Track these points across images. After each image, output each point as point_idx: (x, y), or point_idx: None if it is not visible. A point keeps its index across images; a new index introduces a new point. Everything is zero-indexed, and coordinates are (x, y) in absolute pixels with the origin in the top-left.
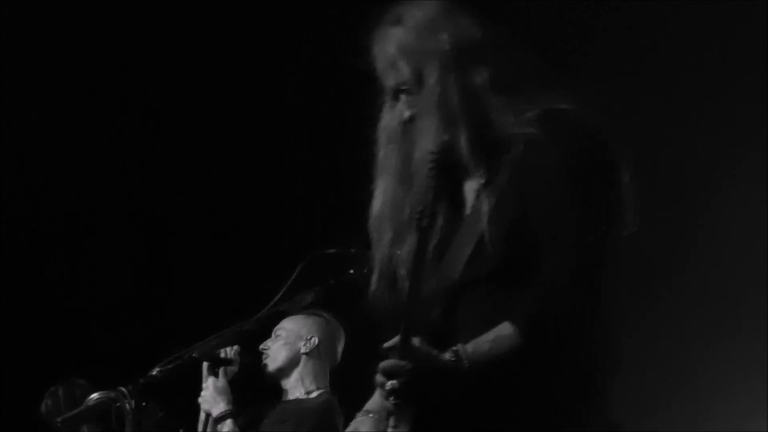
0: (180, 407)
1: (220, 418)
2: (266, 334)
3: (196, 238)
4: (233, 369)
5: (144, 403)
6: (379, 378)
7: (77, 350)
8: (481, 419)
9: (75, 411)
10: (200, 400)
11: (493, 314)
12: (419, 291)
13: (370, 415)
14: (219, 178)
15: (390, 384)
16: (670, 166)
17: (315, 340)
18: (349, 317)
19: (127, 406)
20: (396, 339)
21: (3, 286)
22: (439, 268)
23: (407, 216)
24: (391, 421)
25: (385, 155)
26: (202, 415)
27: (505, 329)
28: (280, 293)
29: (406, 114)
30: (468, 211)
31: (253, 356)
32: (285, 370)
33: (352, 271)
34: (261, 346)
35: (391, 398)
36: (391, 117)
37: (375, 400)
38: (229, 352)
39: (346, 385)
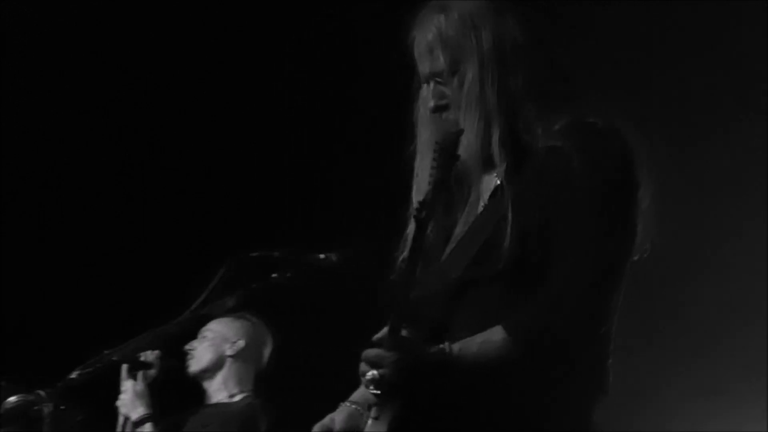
0: (99, 411)
1: (140, 422)
2: (187, 337)
3: (117, 240)
4: (152, 373)
5: (62, 407)
6: (362, 367)
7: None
8: (460, 419)
9: None
10: (119, 403)
11: (490, 317)
12: (413, 283)
13: (353, 406)
14: (141, 179)
15: (371, 374)
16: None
17: (241, 343)
18: (272, 321)
19: (46, 409)
20: (385, 330)
21: None
22: (440, 264)
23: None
24: (372, 412)
25: (420, 140)
26: (121, 419)
27: (496, 334)
28: (202, 297)
29: (432, 103)
30: (480, 210)
31: (173, 360)
32: (209, 372)
33: (275, 275)
34: (186, 347)
35: (372, 387)
36: (421, 103)
37: (360, 392)
38: (149, 355)
39: (274, 388)
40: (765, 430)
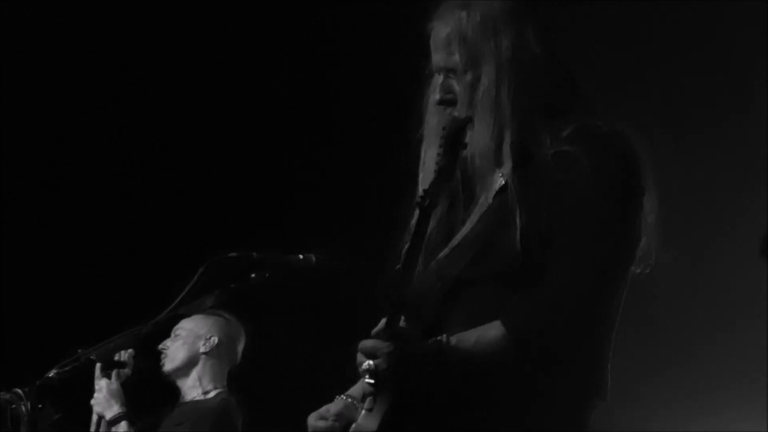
0: (76, 410)
1: (114, 421)
2: (165, 337)
3: (94, 240)
4: (126, 372)
5: (40, 405)
6: (358, 357)
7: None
8: (454, 416)
9: None
10: (93, 402)
11: (489, 316)
12: (413, 273)
13: (348, 399)
14: (120, 181)
15: (367, 364)
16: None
17: (215, 340)
18: (251, 320)
19: (23, 408)
20: (383, 322)
21: None
22: (441, 261)
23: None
24: (366, 404)
25: (427, 128)
26: (95, 417)
27: (493, 329)
28: (180, 296)
29: (438, 95)
30: (484, 211)
31: (149, 359)
32: (183, 370)
33: (253, 275)
34: (160, 346)
35: (367, 377)
36: (432, 92)
37: (357, 387)
38: (123, 354)
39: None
40: (765, 430)
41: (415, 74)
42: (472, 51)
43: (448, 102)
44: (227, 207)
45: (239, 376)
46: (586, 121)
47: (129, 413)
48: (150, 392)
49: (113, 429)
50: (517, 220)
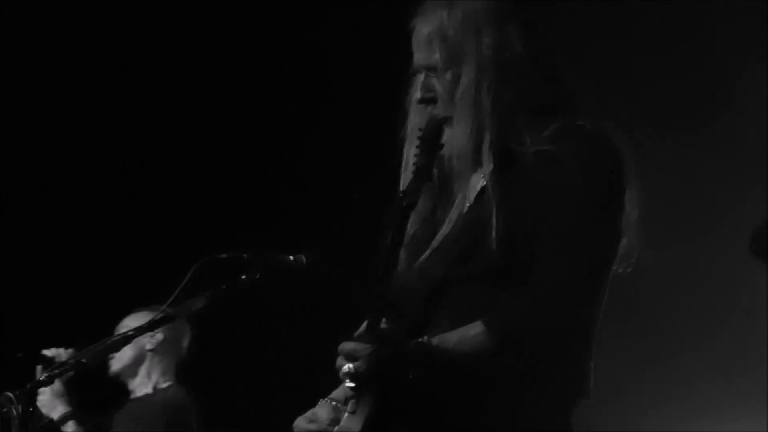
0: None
1: (62, 421)
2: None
3: (85, 242)
4: (69, 372)
5: (31, 409)
6: (338, 360)
7: None
8: (437, 417)
9: None
10: (38, 404)
11: (472, 316)
12: (392, 274)
13: (332, 402)
14: (110, 182)
15: (347, 367)
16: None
17: (159, 336)
18: (243, 322)
19: (14, 411)
20: (365, 324)
21: None
22: (423, 262)
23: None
24: (349, 406)
25: (410, 127)
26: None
27: (474, 328)
28: (171, 298)
29: (419, 94)
30: (465, 210)
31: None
32: (131, 369)
33: (244, 277)
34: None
35: (347, 380)
36: (414, 91)
37: (340, 390)
38: (63, 354)
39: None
40: (765, 430)
41: (411, 74)
42: (453, 49)
43: (428, 101)
44: (218, 207)
45: (235, 377)
46: (568, 120)
47: (75, 412)
48: (97, 390)
49: (62, 429)
50: (494, 220)
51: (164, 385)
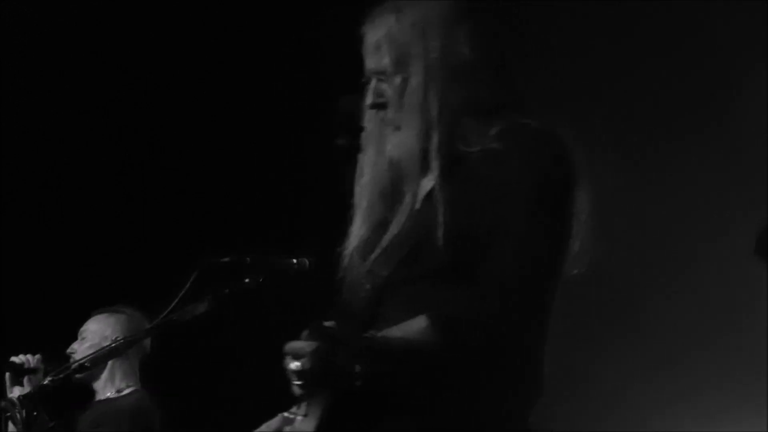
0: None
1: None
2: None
3: (87, 245)
4: (37, 377)
5: (35, 413)
6: (285, 360)
7: None
8: (391, 417)
9: None
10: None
11: (420, 312)
12: (336, 275)
13: (285, 414)
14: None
15: (294, 365)
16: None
17: (120, 338)
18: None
19: (18, 415)
20: (311, 324)
21: None
22: (371, 263)
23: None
24: (301, 409)
25: (364, 135)
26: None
27: (419, 322)
28: (173, 303)
29: (370, 100)
30: (413, 212)
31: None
32: (94, 372)
33: (247, 280)
34: (68, 350)
35: (294, 379)
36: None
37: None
38: (32, 360)
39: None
40: (765, 430)
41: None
42: (401, 53)
43: (379, 106)
44: (219, 210)
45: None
46: (514, 119)
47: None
48: (63, 393)
49: None
50: (440, 219)
51: (128, 390)
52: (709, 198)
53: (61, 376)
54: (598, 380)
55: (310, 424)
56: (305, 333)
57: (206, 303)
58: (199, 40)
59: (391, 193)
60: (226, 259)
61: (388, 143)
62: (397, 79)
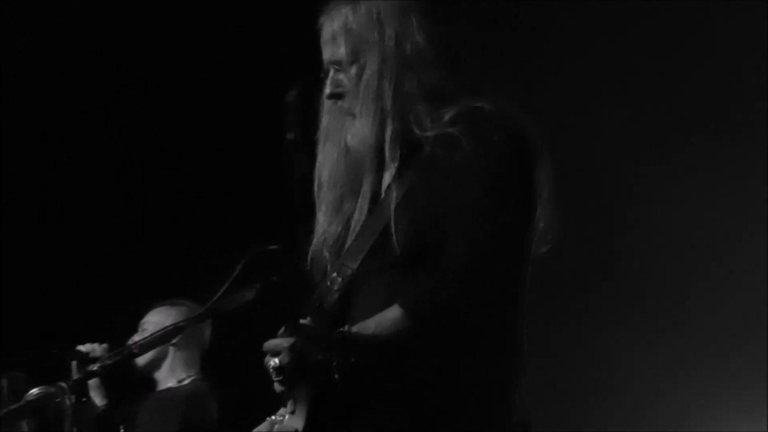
0: (118, 402)
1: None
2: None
3: (94, 240)
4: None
5: (84, 399)
6: (265, 358)
7: (14, 344)
8: (376, 408)
9: (15, 405)
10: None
11: (391, 301)
12: (302, 272)
13: (271, 417)
14: (119, 179)
15: (272, 362)
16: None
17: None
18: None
19: (67, 401)
20: (287, 322)
21: None
22: (341, 257)
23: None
24: (288, 407)
25: (321, 127)
26: None
27: (391, 311)
28: (221, 290)
29: (327, 90)
30: (375, 201)
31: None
32: (155, 363)
33: (295, 267)
34: (129, 342)
35: (274, 376)
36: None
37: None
38: (97, 349)
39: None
40: (765, 430)
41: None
42: (357, 43)
43: (336, 96)
44: (269, 199)
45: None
46: (468, 104)
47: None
48: (124, 383)
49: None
50: (396, 207)
51: (188, 379)
52: (710, 198)
53: (109, 362)
54: (596, 379)
55: (299, 420)
56: (281, 330)
57: (254, 291)
58: (199, 40)
59: (353, 185)
60: (274, 247)
61: (347, 133)
62: (354, 69)
